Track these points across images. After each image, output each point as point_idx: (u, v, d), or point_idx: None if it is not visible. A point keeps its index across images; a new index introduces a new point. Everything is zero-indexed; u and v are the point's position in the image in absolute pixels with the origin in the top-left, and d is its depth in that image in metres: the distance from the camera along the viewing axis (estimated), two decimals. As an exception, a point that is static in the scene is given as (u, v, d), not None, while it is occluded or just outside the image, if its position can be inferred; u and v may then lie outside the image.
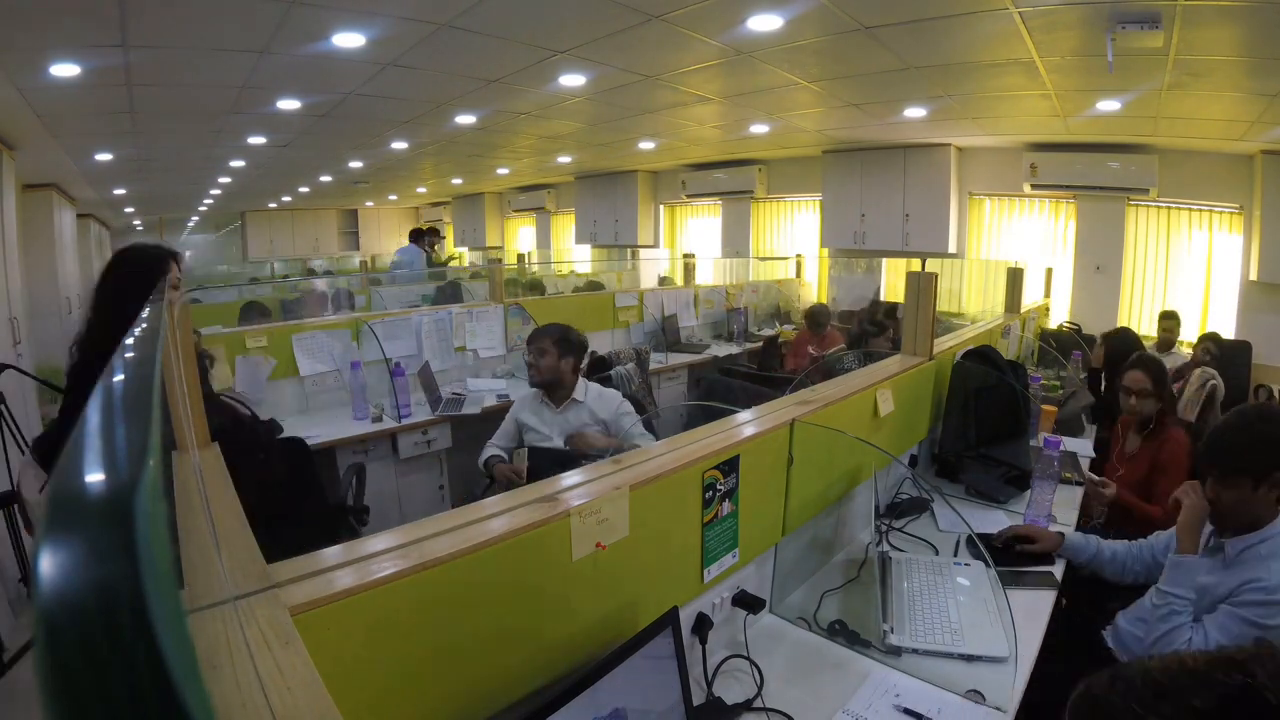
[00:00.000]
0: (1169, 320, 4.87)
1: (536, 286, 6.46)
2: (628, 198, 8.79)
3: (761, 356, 5.27)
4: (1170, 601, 1.58)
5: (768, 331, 5.95)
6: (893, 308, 4.75)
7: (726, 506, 1.44)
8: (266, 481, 1.89)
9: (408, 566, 0.89)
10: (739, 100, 4.74)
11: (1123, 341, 3.57)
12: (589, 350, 3.01)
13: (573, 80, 4.06)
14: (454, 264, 9.78)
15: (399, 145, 6.32)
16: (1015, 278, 4.18)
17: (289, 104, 4.41)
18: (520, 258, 10.29)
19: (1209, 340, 4.53)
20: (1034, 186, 5.74)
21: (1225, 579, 1.55)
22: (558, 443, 2.63)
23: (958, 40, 3.28)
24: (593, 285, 6.76)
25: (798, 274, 7.21)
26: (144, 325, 0.93)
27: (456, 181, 10.08)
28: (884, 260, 6.83)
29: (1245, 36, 2.93)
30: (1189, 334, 5.48)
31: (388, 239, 13.63)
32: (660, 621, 1.13)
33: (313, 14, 2.83)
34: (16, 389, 3.71)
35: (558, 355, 2.63)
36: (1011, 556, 1.89)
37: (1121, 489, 2.38)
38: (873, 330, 4.36)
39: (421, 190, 11.22)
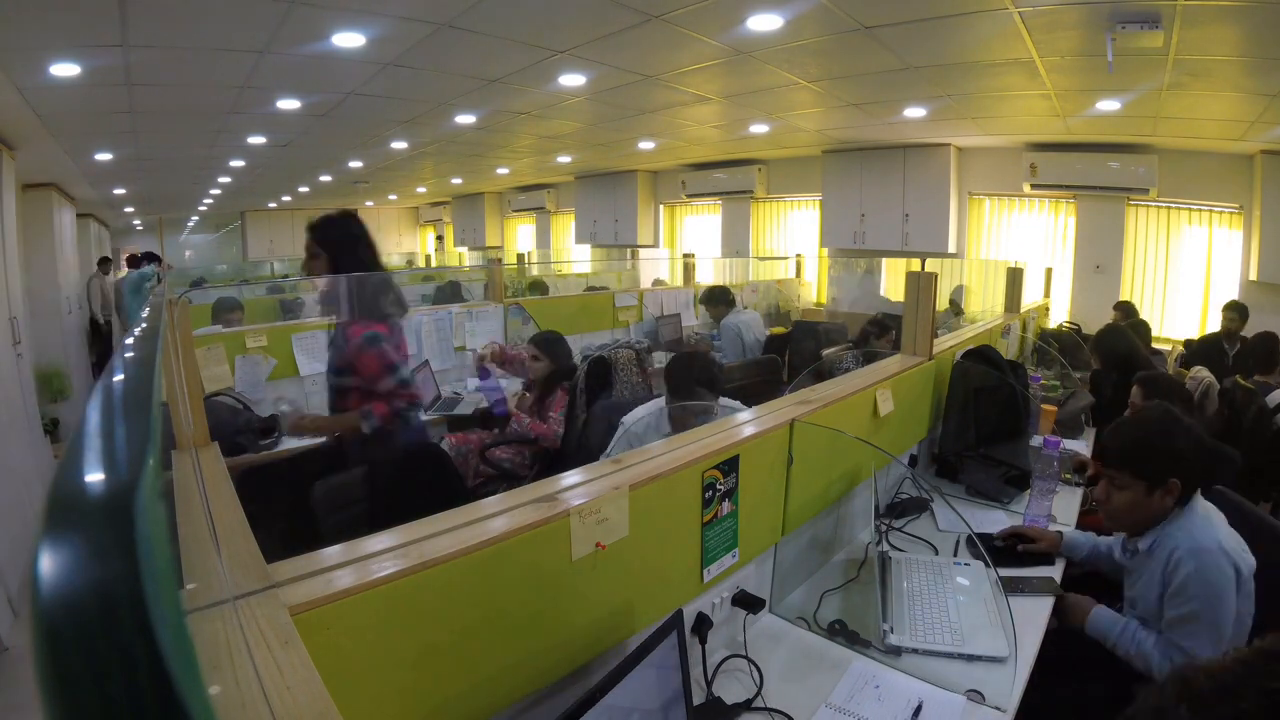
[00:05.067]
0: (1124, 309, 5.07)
1: (538, 286, 6.47)
2: (628, 198, 8.80)
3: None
4: (1126, 643, 1.61)
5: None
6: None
7: (726, 506, 1.44)
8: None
9: (407, 566, 0.89)
10: (739, 100, 4.74)
11: (1116, 340, 3.55)
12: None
13: (573, 80, 4.06)
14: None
15: (399, 145, 6.32)
16: (1015, 278, 4.18)
17: (289, 104, 4.41)
18: (520, 257, 10.29)
19: (1233, 310, 4.63)
20: (1034, 186, 5.74)
21: (1147, 567, 1.61)
22: None
23: (958, 40, 3.28)
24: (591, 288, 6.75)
25: (797, 274, 7.20)
26: (144, 325, 0.93)
27: (456, 181, 10.08)
28: (884, 260, 6.82)
29: (1245, 36, 2.93)
30: (1187, 333, 5.48)
31: (388, 239, 13.64)
32: (666, 625, 1.13)
33: (313, 14, 2.83)
34: (16, 388, 3.71)
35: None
36: (1011, 557, 1.89)
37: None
38: (873, 331, 4.36)
39: (421, 190, 11.22)
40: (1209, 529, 1.54)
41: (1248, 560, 1.52)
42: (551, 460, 3.12)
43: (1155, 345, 4.99)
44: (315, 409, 3.40)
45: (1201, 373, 3.69)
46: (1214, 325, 5.38)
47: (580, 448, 2.61)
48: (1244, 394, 3.45)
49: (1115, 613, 1.66)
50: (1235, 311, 4.66)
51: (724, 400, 2.26)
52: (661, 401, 2.23)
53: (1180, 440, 1.57)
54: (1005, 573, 1.75)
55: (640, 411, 2.26)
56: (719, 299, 5.09)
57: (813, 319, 6.49)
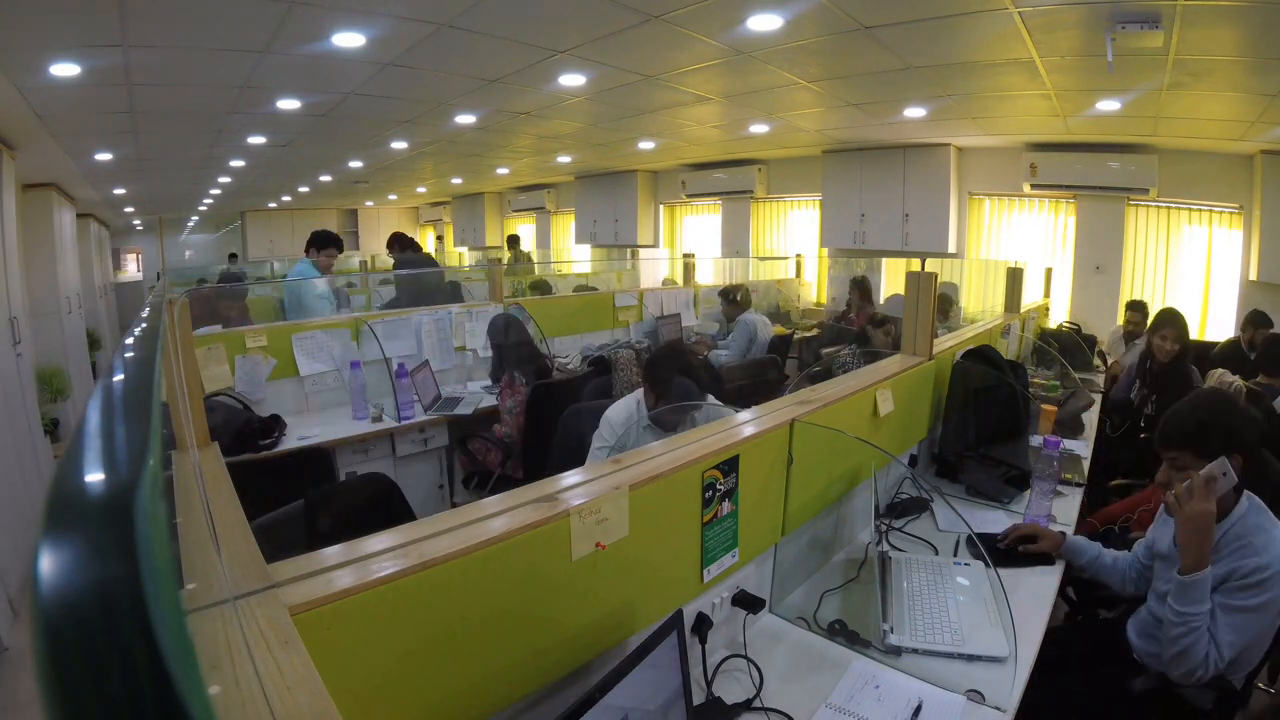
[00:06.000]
0: (1135, 311, 4.90)
1: (540, 286, 6.45)
2: (628, 197, 8.79)
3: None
4: (1188, 620, 1.49)
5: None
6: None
7: (726, 506, 1.44)
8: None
9: (407, 566, 0.89)
10: (739, 100, 4.74)
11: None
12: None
13: (573, 80, 4.06)
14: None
15: (399, 145, 6.31)
16: (1015, 278, 4.18)
17: (289, 104, 4.41)
18: (515, 239, 10.01)
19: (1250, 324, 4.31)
20: (1034, 186, 5.74)
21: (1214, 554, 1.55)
22: None
23: (958, 40, 3.28)
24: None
25: (797, 274, 7.21)
26: (144, 325, 0.93)
27: (456, 181, 10.08)
28: (884, 260, 6.83)
29: (1245, 36, 2.92)
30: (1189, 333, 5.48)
31: (387, 238, 13.63)
32: (666, 625, 1.13)
33: (313, 14, 2.83)
34: (17, 388, 3.71)
35: None
36: (1012, 557, 1.90)
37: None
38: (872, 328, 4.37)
39: (421, 190, 11.22)
40: None
41: None
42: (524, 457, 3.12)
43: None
44: (315, 409, 3.42)
45: (1226, 376, 3.67)
46: (1214, 325, 5.39)
47: (560, 447, 2.59)
48: (1251, 397, 3.44)
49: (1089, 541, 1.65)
50: (1254, 325, 4.44)
51: (712, 399, 2.28)
52: (639, 394, 2.27)
53: (1236, 418, 1.58)
54: (1005, 573, 1.75)
55: (621, 402, 2.31)
56: (735, 297, 5.14)
57: (814, 319, 6.50)
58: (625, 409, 2.26)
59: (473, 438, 3.16)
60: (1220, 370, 3.85)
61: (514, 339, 3.38)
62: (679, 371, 2.15)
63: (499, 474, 3.03)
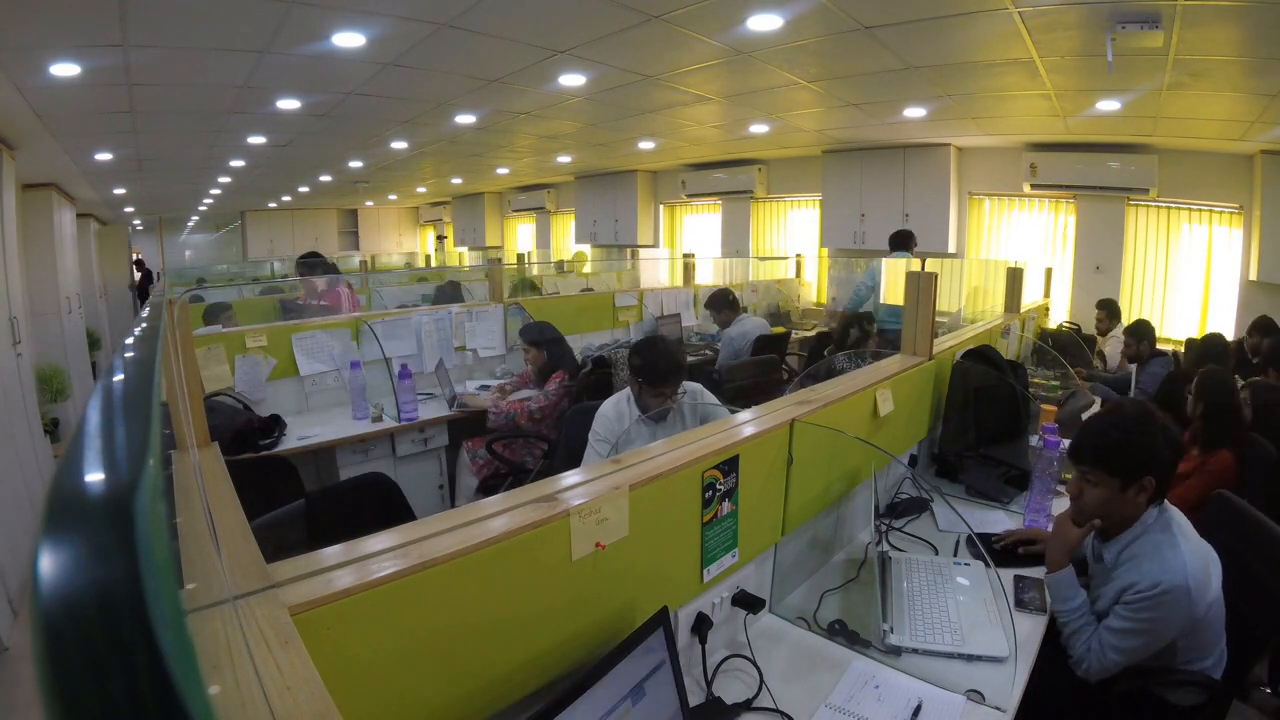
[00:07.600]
0: (1102, 309, 5.10)
1: (526, 285, 6.26)
2: (628, 197, 8.79)
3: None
4: (1068, 619, 1.60)
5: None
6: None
7: (726, 506, 1.44)
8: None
9: (407, 566, 0.89)
10: (739, 100, 4.74)
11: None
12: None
13: (573, 80, 4.06)
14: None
15: (399, 145, 6.31)
16: (1015, 278, 4.18)
17: (289, 104, 4.41)
18: (520, 258, 10.22)
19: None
20: (1034, 186, 5.74)
21: (1110, 587, 1.58)
22: None
23: (958, 40, 3.28)
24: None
25: (797, 274, 7.21)
26: (144, 325, 0.93)
27: (456, 181, 10.08)
28: (883, 260, 6.82)
29: (1245, 36, 2.92)
30: (1186, 333, 5.48)
31: (387, 238, 13.66)
32: (649, 624, 1.12)
33: (313, 14, 2.83)
34: (17, 388, 3.71)
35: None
36: (1012, 557, 1.90)
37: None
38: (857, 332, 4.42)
39: (421, 190, 11.22)
40: (1178, 557, 1.48)
41: (1213, 583, 1.51)
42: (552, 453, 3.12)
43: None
44: (314, 409, 3.42)
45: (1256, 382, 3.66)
46: (1214, 326, 5.38)
47: (565, 447, 2.60)
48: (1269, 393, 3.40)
49: (1080, 587, 1.64)
50: (1259, 332, 4.38)
51: (689, 384, 2.35)
52: (627, 391, 2.33)
53: (1157, 439, 1.55)
54: (1005, 572, 1.75)
55: (611, 400, 2.36)
56: (723, 303, 4.96)
57: (814, 319, 6.51)
58: (616, 405, 2.31)
59: (500, 437, 3.11)
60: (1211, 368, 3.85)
61: (552, 336, 3.39)
62: (658, 344, 2.28)
63: (538, 469, 3.00)
